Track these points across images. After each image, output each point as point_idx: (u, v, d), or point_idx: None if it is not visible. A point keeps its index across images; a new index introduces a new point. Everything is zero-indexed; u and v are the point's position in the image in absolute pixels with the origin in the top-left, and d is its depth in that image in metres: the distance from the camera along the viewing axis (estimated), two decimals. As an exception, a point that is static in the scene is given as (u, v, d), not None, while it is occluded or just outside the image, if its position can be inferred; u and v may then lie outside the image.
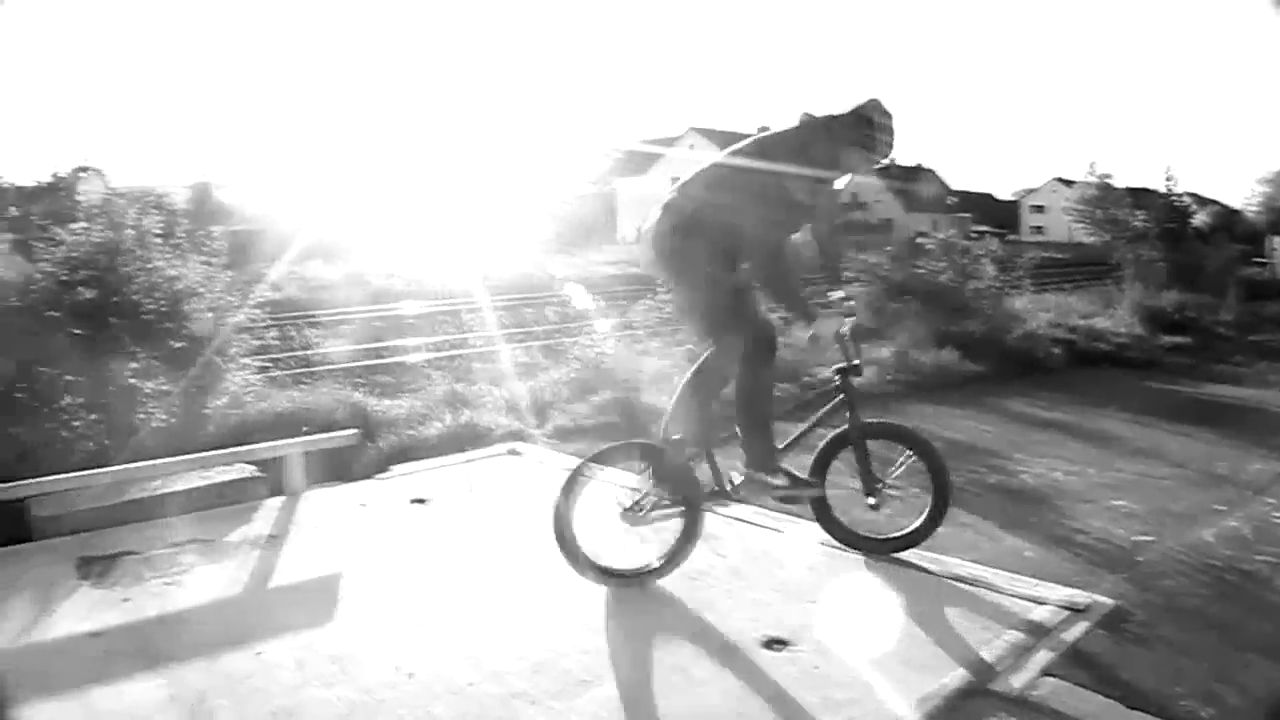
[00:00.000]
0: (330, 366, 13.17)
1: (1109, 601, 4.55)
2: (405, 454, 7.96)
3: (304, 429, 7.94)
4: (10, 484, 6.04)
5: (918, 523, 5.22)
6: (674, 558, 4.89)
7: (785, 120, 5.19)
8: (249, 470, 6.86)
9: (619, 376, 9.42)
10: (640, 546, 4.92)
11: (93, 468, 6.43)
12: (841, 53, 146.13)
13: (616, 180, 63.74)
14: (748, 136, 5.18)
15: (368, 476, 7.30)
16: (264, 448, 6.97)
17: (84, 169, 28.94)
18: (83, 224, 8.11)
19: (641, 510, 4.92)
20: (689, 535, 4.92)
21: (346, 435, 7.34)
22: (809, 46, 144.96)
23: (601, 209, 59.73)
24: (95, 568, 5.37)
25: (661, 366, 9.67)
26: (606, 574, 4.79)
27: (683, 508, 4.92)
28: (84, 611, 4.77)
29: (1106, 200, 22.34)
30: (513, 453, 7.75)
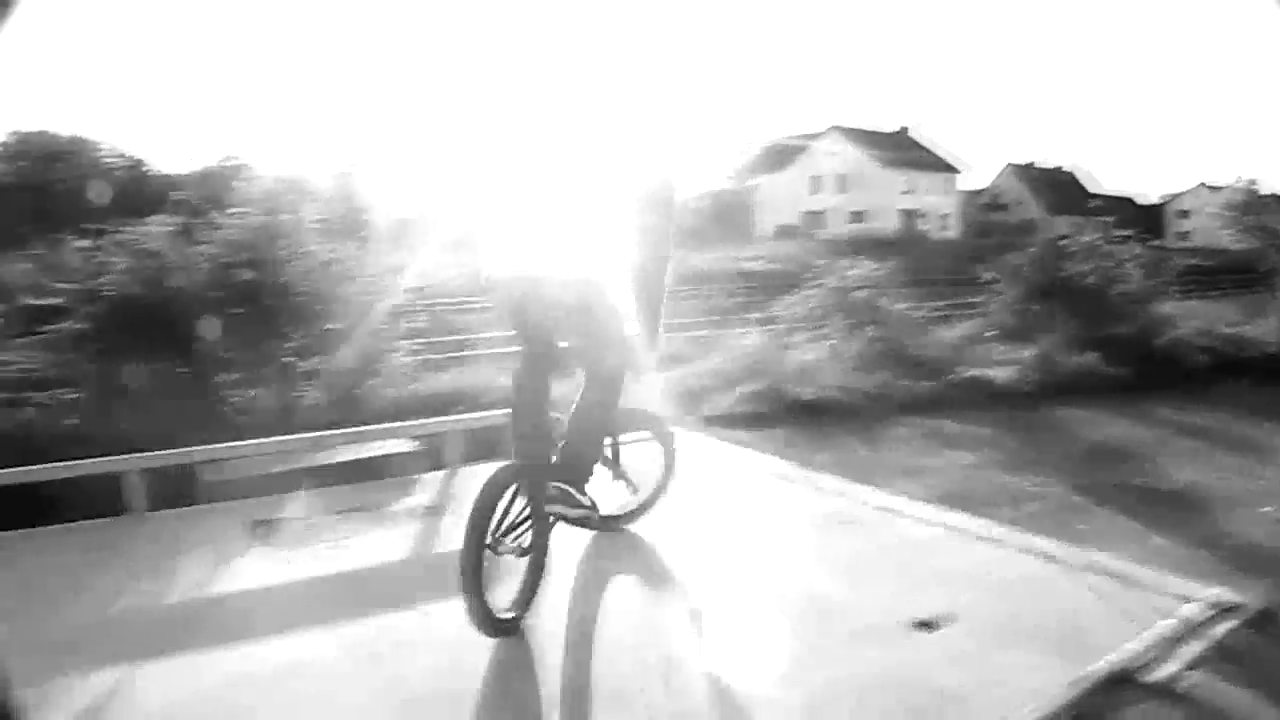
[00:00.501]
0: (478, 351, 13.38)
1: (1257, 603, 4.53)
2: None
3: (456, 408, 8.15)
4: (183, 449, 6.38)
5: (645, 497, 5.41)
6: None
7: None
8: (409, 445, 7.11)
9: (765, 368, 9.52)
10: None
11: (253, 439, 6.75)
12: (986, 53, 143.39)
13: (755, 176, 63.45)
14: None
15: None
16: (425, 424, 7.22)
17: (231, 159, 29.87)
18: (242, 209, 8.44)
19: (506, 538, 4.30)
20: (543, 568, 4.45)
21: (503, 414, 7.57)
22: (954, 46, 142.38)
23: (740, 205, 59.52)
24: (264, 530, 5.63)
25: (806, 359, 9.75)
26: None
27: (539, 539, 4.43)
28: (255, 569, 5.03)
29: (1254, 206, 21.73)
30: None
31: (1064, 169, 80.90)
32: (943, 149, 66.83)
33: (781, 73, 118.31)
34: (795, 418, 7.94)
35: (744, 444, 7.34)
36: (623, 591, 4.68)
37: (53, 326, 8.19)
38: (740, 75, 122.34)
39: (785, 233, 53.78)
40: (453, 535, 5.23)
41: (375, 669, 3.94)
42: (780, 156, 63.33)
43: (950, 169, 67.44)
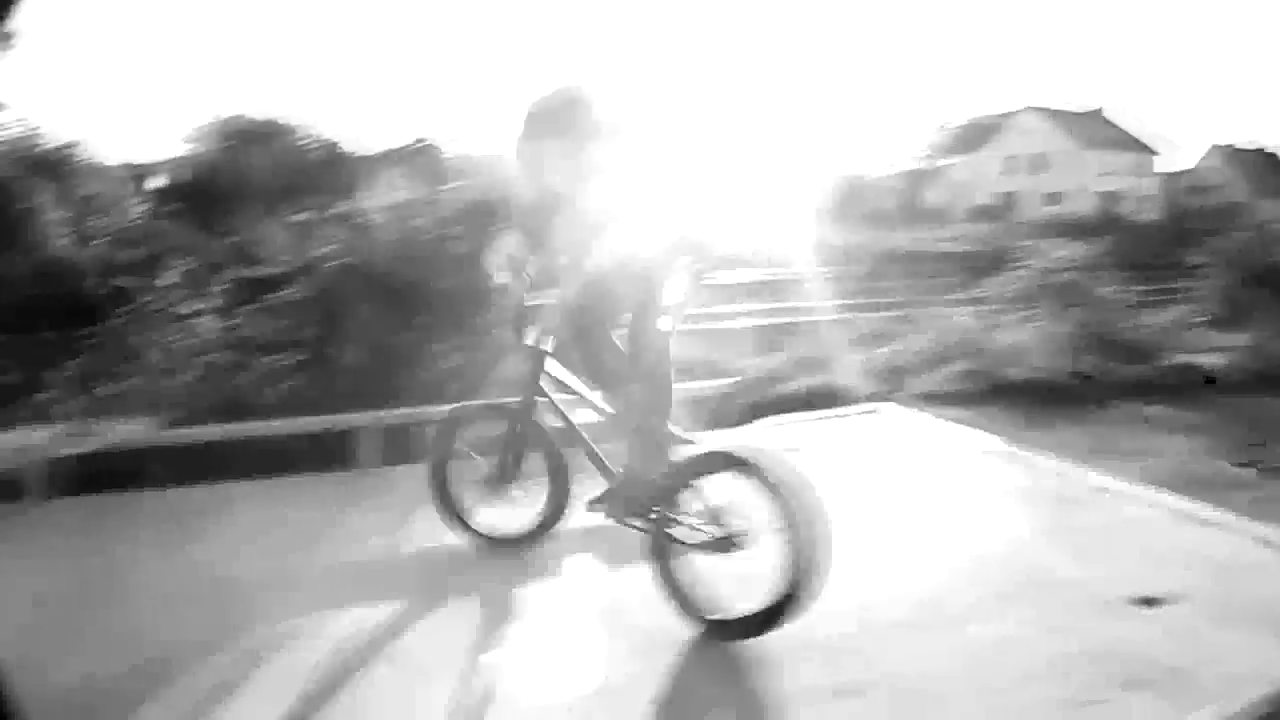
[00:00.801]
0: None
1: None
2: (768, 409, 8.21)
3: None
4: (413, 409, 6.72)
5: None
6: None
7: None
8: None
9: (972, 348, 9.49)
10: None
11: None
12: (1185, 29, 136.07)
13: (949, 156, 62.22)
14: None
15: (734, 426, 7.64)
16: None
17: (423, 140, 30.62)
18: (450, 186, 8.72)
19: None
20: None
21: (725, 383, 7.74)
22: (1152, 20, 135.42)
23: (934, 185, 58.50)
24: (492, 486, 5.89)
25: (1013, 340, 9.66)
26: None
27: None
28: (488, 523, 5.06)
29: None
30: (874, 413, 7.93)
31: (1269, 150, 76.92)
32: (1140, 129, 64.28)
33: (976, 50, 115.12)
34: (1004, 397, 7.90)
35: (956, 421, 7.37)
36: (846, 561, 4.79)
37: (273, 295, 8.62)
38: (935, 53, 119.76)
39: (980, 214, 52.58)
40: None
41: (611, 620, 4.15)
42: (974, 136, 61.89)
43: (1148, 150, 64.84)
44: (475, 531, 5.00)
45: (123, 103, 73.68)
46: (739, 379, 8.02)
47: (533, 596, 4.47)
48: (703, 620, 4.02)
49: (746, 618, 3.89)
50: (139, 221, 23.53)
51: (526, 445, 4.78)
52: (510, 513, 4.88)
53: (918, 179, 58.73)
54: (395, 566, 4.87)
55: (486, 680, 3.74)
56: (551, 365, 4.61)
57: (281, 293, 8.51)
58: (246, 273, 9.17)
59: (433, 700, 3.59)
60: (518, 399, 4.72)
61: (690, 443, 4.22)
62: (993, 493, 5.65)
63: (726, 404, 7.85)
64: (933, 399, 8.34)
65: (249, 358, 8.23)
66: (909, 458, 6.47)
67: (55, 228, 21.74)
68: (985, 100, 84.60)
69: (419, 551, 5.00)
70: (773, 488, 3.78)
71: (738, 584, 3.92)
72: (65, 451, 6.78)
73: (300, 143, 31.29)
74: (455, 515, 4.99)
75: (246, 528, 5.33)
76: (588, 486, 4.55)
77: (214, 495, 6.00)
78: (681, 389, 7.33)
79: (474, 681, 3.72)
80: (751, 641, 3.84)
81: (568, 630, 4.14)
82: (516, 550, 4.92)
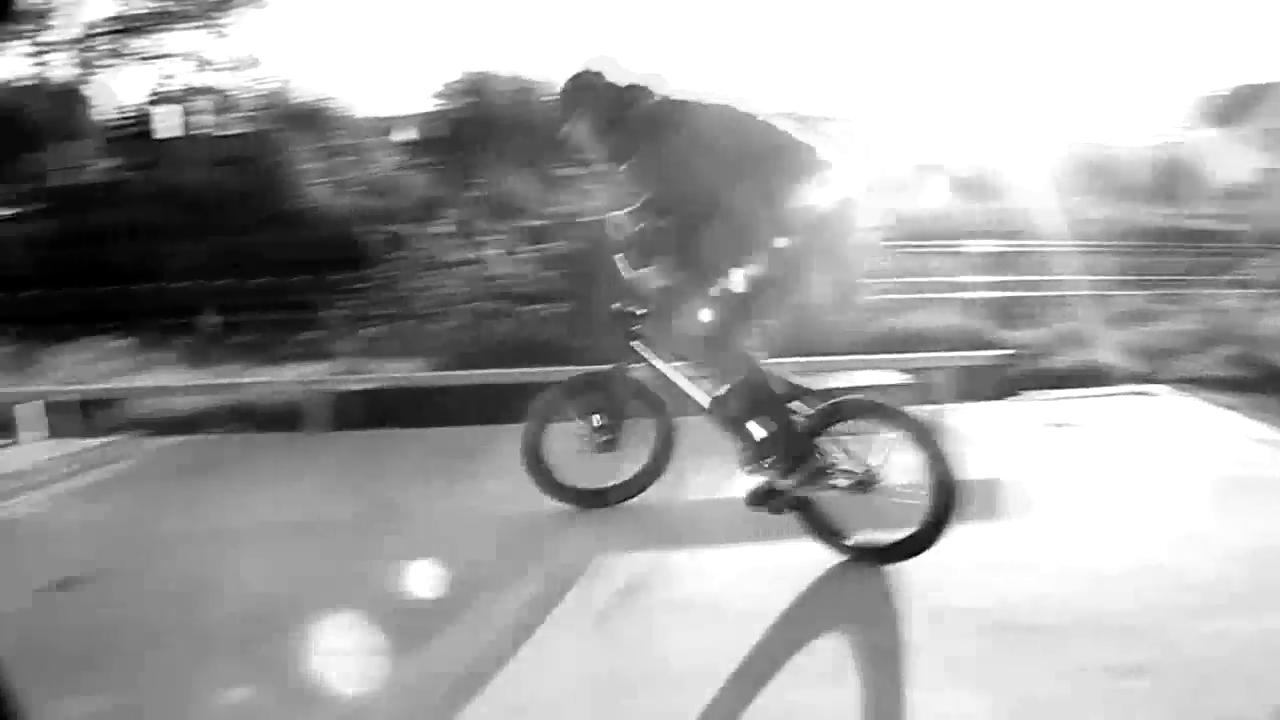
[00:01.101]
0: (924, 295, 12.97)
1: None
2: (1032, 383, 8.15)
3: (926, 346, 8.20)
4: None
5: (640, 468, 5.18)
6: None
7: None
8: (899, 378, 7.25)
9: (1240, 332, 9.09)
10: None
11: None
12: None
13: (1206, 129, 58.59)
14: None
15: (1000, 398, 7.59)
16: (921, 358, 7.39)
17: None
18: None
19: None
20: None
21: (1001, 355, 7.64)
22: None
23: (1189, 159, 55.23)
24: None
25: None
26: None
27: None
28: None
29: None
30: (1145, 394, 7.79)
31: None
32: None
33: (1238, 15, 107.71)
34: (1275, 385, 7.58)
35: (1225, 407, 7.14)
36: (1126, 540, 4.75)
37: (538, 247, 8.88)
38: (1195, 19, 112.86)
39: (1238, 191, 49.57)
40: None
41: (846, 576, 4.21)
42: (1234, 107, 58.19)
43: None
44: (571, 492, 5.23)
45: (368, 57, 76.77)
46: (1009, 351, 7.90)
47: (752, 552, 4.58)
48: (846, 548, 4.29)
49: (891, 545, 4.18)
50: (394, 172, 24.67)
51: (628, 409, 5.12)
52: (609, 472, 5.20)
53: (1174, 151, 55.70)
54: (658, 510, 5.14)
55: (743, 608, 3.94)
56: (641, 330, 4.96)
57: (546, 245, 8.79)
58: (514, 224, 9.52)
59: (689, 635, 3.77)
60: (613, 365, 5.03)
61: (811, 392, 4.46)
62: (1272, 483, 5.46)
63: (992, 375, 7.76)
64: (1200, 383, 8.06)
65: (513, 306, 8.58)
66: (1183, 441, 6.33)
67: (314, 177, 23.03)
68: (1246, 69, 79.02)
69: (690, 502, 5.27)
70: (911, 427, 4.07)
71: (876, 516, 4.20)
72: (346, 387, 7.29)
73: (543, 100, 32.10)
74: (548, 478, 5.20)
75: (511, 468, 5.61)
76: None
77: (478, 436, 6.39)
78: (949, 358, 7.33)
79: (727, 617, 3.89)
80: (1029, 616, 3.86)
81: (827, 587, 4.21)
82: (616, 509, 5.18)
